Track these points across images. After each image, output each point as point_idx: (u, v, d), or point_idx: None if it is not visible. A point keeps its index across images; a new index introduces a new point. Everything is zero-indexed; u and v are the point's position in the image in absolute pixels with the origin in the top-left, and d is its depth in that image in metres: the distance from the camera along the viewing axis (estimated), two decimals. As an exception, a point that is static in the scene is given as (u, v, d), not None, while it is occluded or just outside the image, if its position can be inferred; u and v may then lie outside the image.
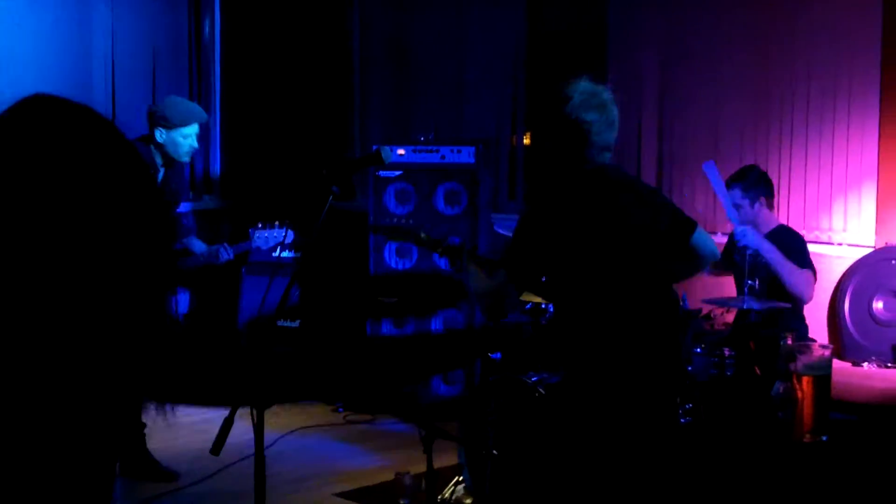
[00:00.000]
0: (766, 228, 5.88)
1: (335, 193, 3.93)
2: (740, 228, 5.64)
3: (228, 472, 5.82)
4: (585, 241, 3.69)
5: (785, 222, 6.15)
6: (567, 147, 3.76)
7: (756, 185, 5.84)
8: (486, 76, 8.10)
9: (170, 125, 5.76)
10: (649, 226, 3.75)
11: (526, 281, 3.92)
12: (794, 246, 5.78)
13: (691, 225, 3.84)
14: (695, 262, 3.91)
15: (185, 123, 5.78)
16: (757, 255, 5.71)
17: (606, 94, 3.81)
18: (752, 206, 5.82)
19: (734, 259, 5.87)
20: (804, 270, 5.68)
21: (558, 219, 3.72)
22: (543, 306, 5.70)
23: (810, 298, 5.78)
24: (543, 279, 3.92)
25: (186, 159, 5.95)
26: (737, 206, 5.80)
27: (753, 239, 5.60)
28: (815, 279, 5.73)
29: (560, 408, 3.93)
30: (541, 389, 4.98)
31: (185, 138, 5.80)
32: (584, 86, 3.78)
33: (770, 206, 5.91)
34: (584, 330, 3.71)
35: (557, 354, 3.94)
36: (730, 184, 5.85)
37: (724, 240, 6.14)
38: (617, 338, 3.68)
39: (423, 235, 4.48)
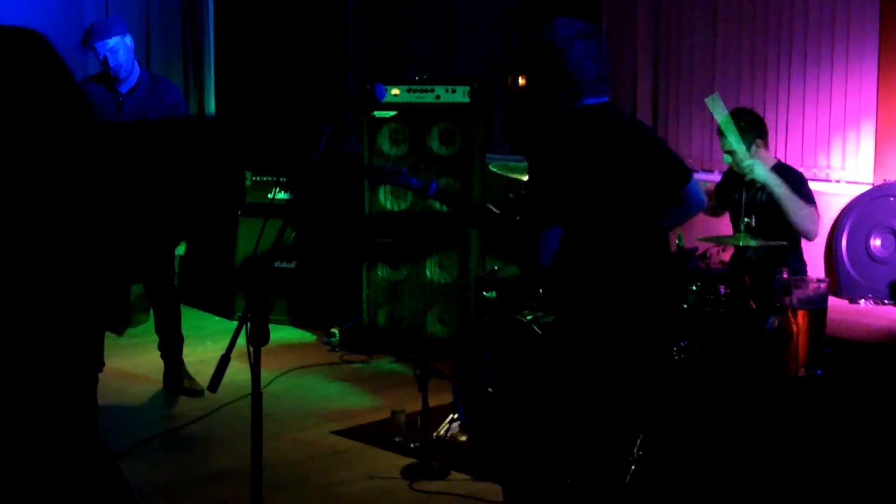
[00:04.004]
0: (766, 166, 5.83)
1: (329, 133, 3.89)
2: (748, 162, 5.56)
3: (225, 412, 5.83)
4: (580, 185, 3.56)
5: (783, 160, 6.10)
6: (548, 82, 3.62)
7: (750, 129, 5.76)
8: (478, 15, 8.02)
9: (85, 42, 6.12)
10: (646, 171, 3.65)
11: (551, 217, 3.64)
12: (797, 188, 5.73)
13: (687, 174, 3.80)
14: (684, 210, 3.88)
15: (93, 38, 6.04)
16: (755, 192, 5.69)
17: (587, 27, 3.65)
18: (749, 149, 5.75)
19: (732, 198, 5.84)
20: (810, 207, 5.64)
21: (553, 164, 3.58)
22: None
23: (816, 234, 5.73)
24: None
25: (117, 75, 6.08)
26: (731, 153, 5.74)
27: (762, 173, 5.53)
28: (819, 217, 5.70)
29: (553, 347, 3.88)
30: (535, 328, 4.98)
31: (99, 55, 6.05)
32: (560, 20, 3.64)
33: (766, 146, 5.86)
34: (579, 273, 3.64)
35: (552, 296, 3.84)
36: (719, 131, 5.78)
37: (719, 178, 6.11)
38: (609, 281, 3.62)
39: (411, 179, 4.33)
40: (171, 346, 6.31)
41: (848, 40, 6.43)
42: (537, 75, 3.64)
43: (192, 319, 7.85)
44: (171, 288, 6.30)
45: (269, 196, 7.83)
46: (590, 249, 3.60)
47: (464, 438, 5.39)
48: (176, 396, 6.25)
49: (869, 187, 6.34)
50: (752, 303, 4.60)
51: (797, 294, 4.35)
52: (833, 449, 4.24)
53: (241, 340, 3.53)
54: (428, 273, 7.17)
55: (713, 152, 6.92)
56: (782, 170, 5.83)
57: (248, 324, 3.52)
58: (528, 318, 5.09)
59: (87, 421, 1.82)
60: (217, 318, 8.08)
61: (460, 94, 7.04)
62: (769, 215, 5.61)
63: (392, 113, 7.11)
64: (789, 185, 5.61)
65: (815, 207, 5.69)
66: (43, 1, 8.00)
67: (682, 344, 4.61)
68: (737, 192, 5.72)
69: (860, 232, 6.27)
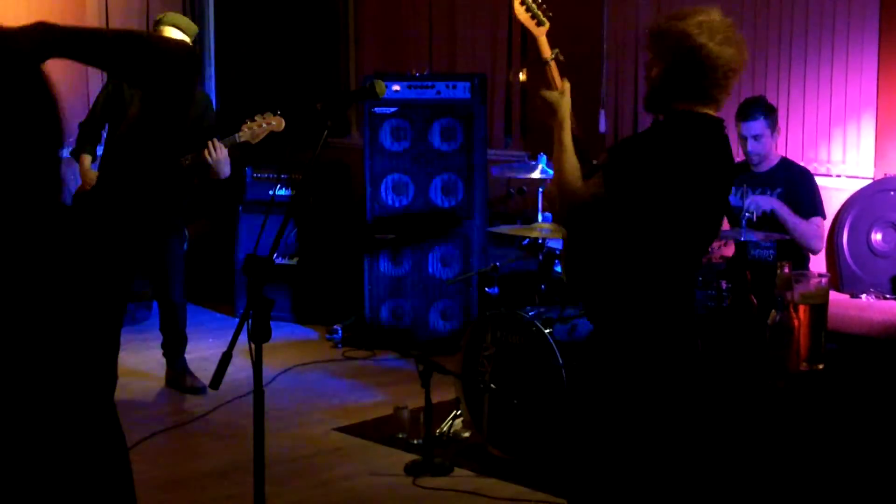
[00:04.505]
0: (771, 161, 5.81)
1: (329, 128, 3.89)
2: (749, 203, 5.54)
3: (228, 408, 5.84)
4: (666, 200, 3.21)
5: (784, 154, 6.10)
6: (690, 83, 3.27)
7: (774, 112, 5.78)
8: (480, 9, 8.01)
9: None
10: (718, 203, 3.40)
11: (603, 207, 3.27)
12: (805, 192, 5.70)
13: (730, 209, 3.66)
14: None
15: (168, 23, 5.96)
16: (760, 193, 5.70)
17: (719, 13, 3.29)
18: (772, 135, 5.75)
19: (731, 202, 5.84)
20: (813, 220, 5.64)
21: (649, 171, 3.21)
22: (540, 241, 5.68)
23: (820, 249, 5.76)
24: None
25: None
26: (757, 137, 5.69)
27: (765, 204, 5.53)
28: (826, 225, 5.72)
29: (585, 356, 3.65)
30: (538, 324, 4.98)
31: None
32: (717, 18, 3.25)
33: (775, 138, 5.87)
34: (631, 288, 3.34)
35: (590, 304, 3.56)
36: (751, 114, 5.70)
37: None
38: (660, 301, 3.39)
39: None
40: (174, 346, 6.31)
41: (848, 33, 6.42)
42: (672, 65, 3.34)
43: (194, 316, 7.85)
44: (180, 288, 6.27)
45: (270, 192, 7.83)
46: (646, 267, 3.35)
47: (467, 435, 5.40)
48: (178, 393, 6.25)
49: (870, 181, 6.34)
50: (753, 298, 4.60)
51: (798, 289, 4.34)
52: (835, 444, 4.24)
53: (243, 337, 3.54)
54: (430, 269, 7.17)
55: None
56: (788, 167, 5.83)
57: (250, 320, 3.52)
58: (531, 313, 5.09)
59: (105, 388, 1.87)
60: (219, 315, 8.08)
61: (461, 90, 7.04)
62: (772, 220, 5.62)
63: (393, 109, 7.11)
64: (798, 195, 5.62)
65: (823, 216, 5.70)
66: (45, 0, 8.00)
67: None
68: (737, 195, 5.67)
69: (861, 226, 6.27)
